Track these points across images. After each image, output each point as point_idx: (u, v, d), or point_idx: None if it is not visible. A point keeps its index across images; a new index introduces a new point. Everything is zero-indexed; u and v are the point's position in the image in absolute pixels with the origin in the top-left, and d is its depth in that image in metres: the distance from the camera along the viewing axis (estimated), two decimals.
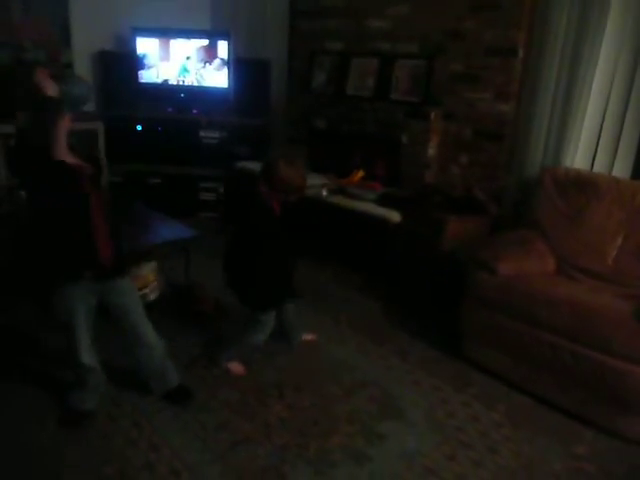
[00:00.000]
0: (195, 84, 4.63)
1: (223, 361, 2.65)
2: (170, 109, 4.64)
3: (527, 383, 2.56)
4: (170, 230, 3.11)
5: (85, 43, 4.49)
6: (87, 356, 2.15)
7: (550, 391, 2.48)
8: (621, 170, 3.03)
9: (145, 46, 4.55)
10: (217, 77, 4.57)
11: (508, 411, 2.45)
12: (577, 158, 3.12)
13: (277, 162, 2.35)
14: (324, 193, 3.72)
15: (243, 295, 2.53)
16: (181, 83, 4.64)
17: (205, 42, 4.55)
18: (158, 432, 2.22)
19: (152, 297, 3.08)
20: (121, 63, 4.57)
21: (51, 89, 1.91)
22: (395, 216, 3.41)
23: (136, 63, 4.56)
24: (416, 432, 2.30)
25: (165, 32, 4.55)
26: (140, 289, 2.85)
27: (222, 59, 4.52)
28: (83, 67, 4.52)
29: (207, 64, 4.56)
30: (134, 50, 4.52)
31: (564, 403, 2.44)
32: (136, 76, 4.59)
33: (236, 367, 2.64)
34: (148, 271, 3.10)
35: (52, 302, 2.10)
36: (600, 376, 2.29)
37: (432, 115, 3.60)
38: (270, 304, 2.51)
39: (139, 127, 4.62)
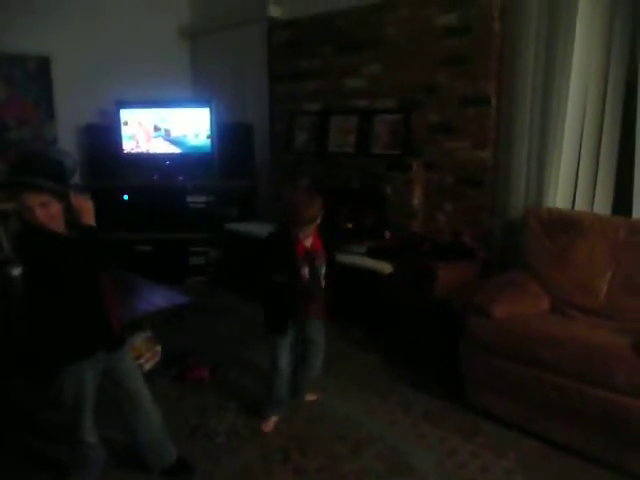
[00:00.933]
0: (179, 151, 4.72)
1: (272, 414, 2.67)
2: (156, 177, 4.71)
3: (534, 426, 2.52)
4: (163, 297, 3.07)
5: (70, 118, 4.60)
6: (89, 433, 2.10)
7: (558, 432, 2.44)
8: (601, 206, 3.11)
9: (129, 117, 4.66)
10: (201, 143, 4.67)
11: (518, 458, 2.40)
12: (558, 198, 3.19)
13: (293, 194, 2.60)
14: None
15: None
16: (165, 151, 4.73)
17: (188, 110, 4.68)
18: None
19: (147, 367, 3.03)
20: (106, 135, 4.67)
21: (92, 219, 1.93)
22: (386, 267, 3.43)
23: (120, 134, 4.66)
24: None
25: (148, 103, 4.68)
26: (135, 359, 2.80)
27: (205, 125, 4.64)
28: (68, 141, 4.60)
29: (191, 131, 4.67)
30: (118, 122, 4.63)
31: (573, 444, 2.40)
32: (121, 147, 4.68)
33: (268, 423, 2.64)
34: (141, 341, 3.07)
35: (59, 383, 2.02)
36: (606, 413, 2.27)
37: (414, 166, 3.68)
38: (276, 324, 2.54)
39: (126, 196, 4.66)
